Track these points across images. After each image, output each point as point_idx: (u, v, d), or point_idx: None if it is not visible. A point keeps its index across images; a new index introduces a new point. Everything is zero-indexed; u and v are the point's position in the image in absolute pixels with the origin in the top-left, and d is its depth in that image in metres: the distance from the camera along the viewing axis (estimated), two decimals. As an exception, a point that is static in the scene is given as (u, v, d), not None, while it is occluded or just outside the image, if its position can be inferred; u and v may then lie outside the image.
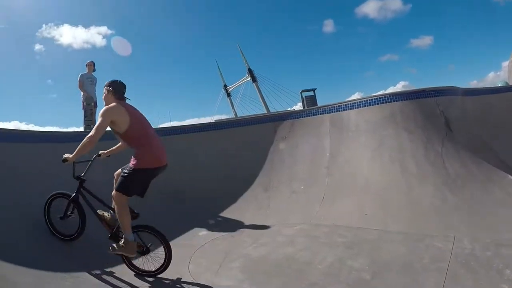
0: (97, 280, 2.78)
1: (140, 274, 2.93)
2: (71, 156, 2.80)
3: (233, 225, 4.37)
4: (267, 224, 4.23)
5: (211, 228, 4.37)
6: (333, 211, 4.38)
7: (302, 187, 5.14)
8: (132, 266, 2.95)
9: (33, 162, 4.19)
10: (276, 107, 37.31)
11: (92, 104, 7.04)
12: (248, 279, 2.89)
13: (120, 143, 3.15)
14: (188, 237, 4.10)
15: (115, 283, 2.77)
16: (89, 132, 2.76)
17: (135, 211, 3.00)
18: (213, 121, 7.60)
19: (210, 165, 5.84)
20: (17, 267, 2.55)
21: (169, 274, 3.01)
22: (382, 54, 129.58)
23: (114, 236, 2.95)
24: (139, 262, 2.97)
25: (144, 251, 2.94)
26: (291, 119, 6.49)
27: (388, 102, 5.68)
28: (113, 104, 2.85)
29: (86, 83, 7.05)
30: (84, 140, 2.69)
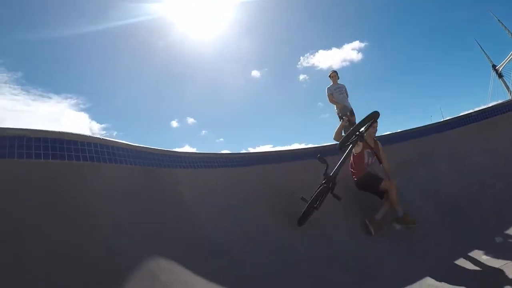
0: None
1: None
2: None
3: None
4: None
5: (497, 250, 3.52)
6: None
7: None
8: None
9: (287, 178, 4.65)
10: None
11: (348, 113, 6.61)
12: None
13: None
14: (466, 262, 3.45)
15: None
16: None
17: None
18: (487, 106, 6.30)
19: (494, 167, 4.91)
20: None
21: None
22: None
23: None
24: None
25: None
26: None
27: None
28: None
29: (336, 94, 6.83)
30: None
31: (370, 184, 4.39)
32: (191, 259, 2.70)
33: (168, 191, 3.41)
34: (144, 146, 3.38)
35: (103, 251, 2.27)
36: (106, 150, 2.85)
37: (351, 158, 4.61)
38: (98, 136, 2.88)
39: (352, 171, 4.62)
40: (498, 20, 32.23)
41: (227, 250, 3.15)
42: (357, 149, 4.50)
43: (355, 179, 4.54)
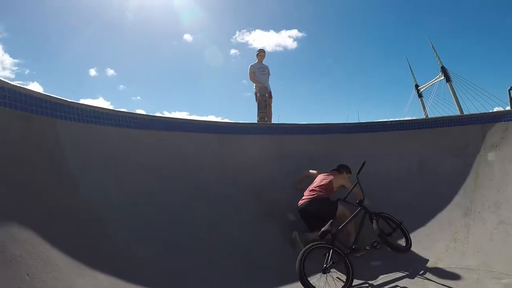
0: None
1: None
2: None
3: (417, 259, 3.73)
4: (462, 267, 3.44)
5: (388, 258, 3.77)
6: None
7: (515, 218, 3.93)
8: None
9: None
10: (471, 109, 33.06)
11: (266, 94, 6.68)
12: None
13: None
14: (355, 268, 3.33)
15: None
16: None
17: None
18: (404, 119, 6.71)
19: (402, 174, 5.15)
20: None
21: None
22: None
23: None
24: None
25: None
26: (504, 121, 5.03)
27: None
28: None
29: (258, 73, 6.75)
30: None
31: (328, 207, 4.10)
32: (57, 229, 2.28)
33: (47, 145, 2.80)
34: (25, 87, 2.75)
35: None
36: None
37: (324, 180, 4.36)
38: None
39: (315, 189, 4.26)
40: (432, 46, 36.74)
41: (107, 221, 2.75)
42: (341, 181, 4.40)
43: (315, 195, 4.18)
